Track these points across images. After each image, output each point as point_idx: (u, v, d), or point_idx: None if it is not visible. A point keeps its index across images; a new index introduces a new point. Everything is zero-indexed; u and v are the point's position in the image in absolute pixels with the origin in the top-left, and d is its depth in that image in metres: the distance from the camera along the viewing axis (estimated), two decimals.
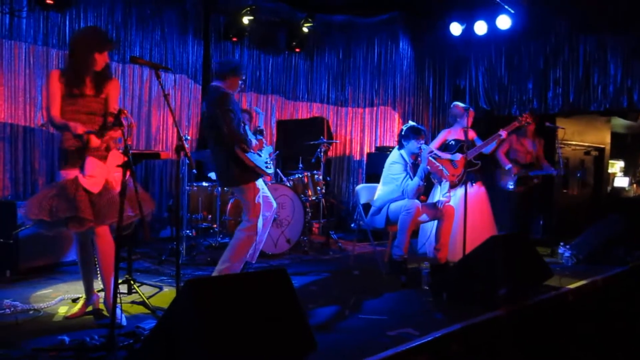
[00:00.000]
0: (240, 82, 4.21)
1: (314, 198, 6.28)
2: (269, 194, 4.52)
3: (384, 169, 5.07)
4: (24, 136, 5.59)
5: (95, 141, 3.18)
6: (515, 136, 6.09)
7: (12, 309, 3.47)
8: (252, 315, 2.45)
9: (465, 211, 4.78)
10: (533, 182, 6.15)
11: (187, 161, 4.82)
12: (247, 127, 4.30)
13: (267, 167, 4.25)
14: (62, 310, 3.55)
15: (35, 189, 5.55)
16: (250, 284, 2.57)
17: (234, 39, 7.25)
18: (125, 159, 2.82)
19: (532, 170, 6.11)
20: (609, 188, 9.68)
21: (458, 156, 5.46)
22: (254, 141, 4.17)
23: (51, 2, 5.57)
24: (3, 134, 5.45)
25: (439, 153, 5.49)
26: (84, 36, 3.46)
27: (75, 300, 3.70)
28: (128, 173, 2.81)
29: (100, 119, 3.32)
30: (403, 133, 4.96)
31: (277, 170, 6.49)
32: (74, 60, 3.31)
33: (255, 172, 4.16)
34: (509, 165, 6.01)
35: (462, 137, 5.43)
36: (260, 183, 4.30)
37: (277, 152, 6.44)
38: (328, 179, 7.01)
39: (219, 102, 3.99)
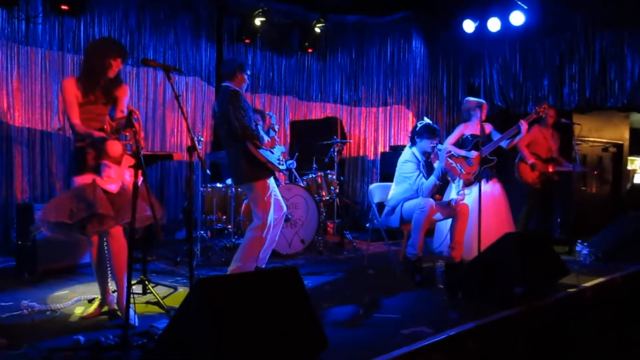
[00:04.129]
0: (246, 77, 4.24)
1: (327, 198, 6.28)
2: (280, 197, 4.47)
3: (396, 168, 5.04)
4: (41, 140, 5.69)
5: (116, 149, 3.21)
6: (537, 126, 5.98)
7: (29, 310, 3.52)
8: (264, 314, 2.45)
9: (479, 209, 4.73)
10: (554, 178, 6.03)
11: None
12: (259, 127, 4.30)
13: (279, 164, 4.26)
14: (79, 311, 3.59)
15: (52, 192, 5.64)
16: (261, 282, 2.58)
17: (247, 41, 7.29)
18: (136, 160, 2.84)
19: (553, 166, 5.99)
20: (629, 185, 9.52)
21: (473, 154, 5.38)
22: (266, 138, 4.19)
23: (66, 7, 5.67)
24: (21, 138, 5.56)
25: (455, 151, 5.43)
26: (100, 44, 3.53)
27: (91, 301, 3.74)
28: (140, 173, 2.83)
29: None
30: (417, 130, 4.89)
31: (292, 169, 6.47)
32: (89, 66, 3.34)
33: (268, 168, 4.16)
34: (532, 161, 5.88)
35: (479, 132, 5.36)
36: (272, 183, 4.30)
37: (296, 154, 6.41)
38: (342, 178, 7.00)
39: (229, 99, 4.03)
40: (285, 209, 4.53)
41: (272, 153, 4.22)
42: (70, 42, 5.88)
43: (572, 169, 6.00)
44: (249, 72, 4.27)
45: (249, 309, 2.44)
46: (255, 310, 2.45)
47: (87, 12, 5.95)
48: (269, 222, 4.15)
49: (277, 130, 4.48)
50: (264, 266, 4.51)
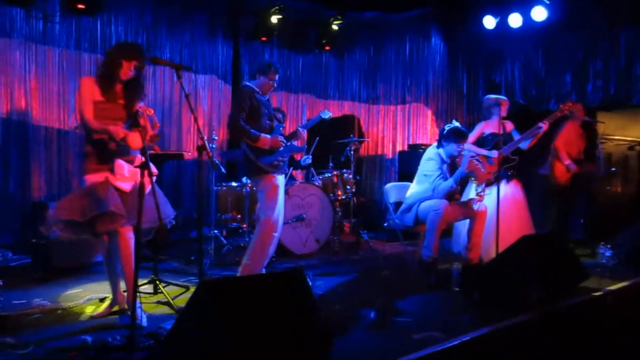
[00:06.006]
0: (271, 81, 4.18)
1: (343, 197, 6.21)
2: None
3: (419, 166, 4.94)
4: (57, 139, 5.74)
5: (137, 141, 3.20)
6: (570, 123, 5.79)
7: (40, 308, 3.54)
8: (268, 315, 2.40)
9: (497, 210, 4.61)
10: (588, 180, 5.86)
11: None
12: (278, 126, 4.23)
13: (272, 164, 4.08)
14: (89, 310, 3.59)
15: (68, 190, 5.66)
16: (266, 284, 2.53)
17: (263, 39, 7.23)
18: (143, 159, 2.82)
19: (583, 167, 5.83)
20: None
21: (495, 153, 5.22)
22: (266, 136, 4.04)
23: (83, 7, 5.68)
24: (38, 137, 5.61)
25: (476, 150, 5.30)
26: (118, 46, 3.55)
27: (102, 300, 3.75)
28: (146, 173, 2.80)
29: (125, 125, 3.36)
30: (445, 133, 4.77)
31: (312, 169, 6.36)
32: (105, 66, 3.37)
33: (258, 167, 4.07)
34: (568, 162, 5.74)
35: (499, 131, 5.22)
36: (279, 181, 4.17)
37: (307, 158, 6.18)
38: (358, 177, 6.91)
39: (235, 97, 4.05)
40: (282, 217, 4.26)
41: (275, 152, 4.09)
42: (87, 41, 5.91)
43: (601, 172, 5.85)
44: (274, 77, 4.17)
45: (254, 310, 2.39)
46: (259, 312, 2.40)
47: (104, 11, 5.97)
48: (274, 218, 4.05)
49: (301, 133, 4.33)
50: (263, 270, 4.19)
